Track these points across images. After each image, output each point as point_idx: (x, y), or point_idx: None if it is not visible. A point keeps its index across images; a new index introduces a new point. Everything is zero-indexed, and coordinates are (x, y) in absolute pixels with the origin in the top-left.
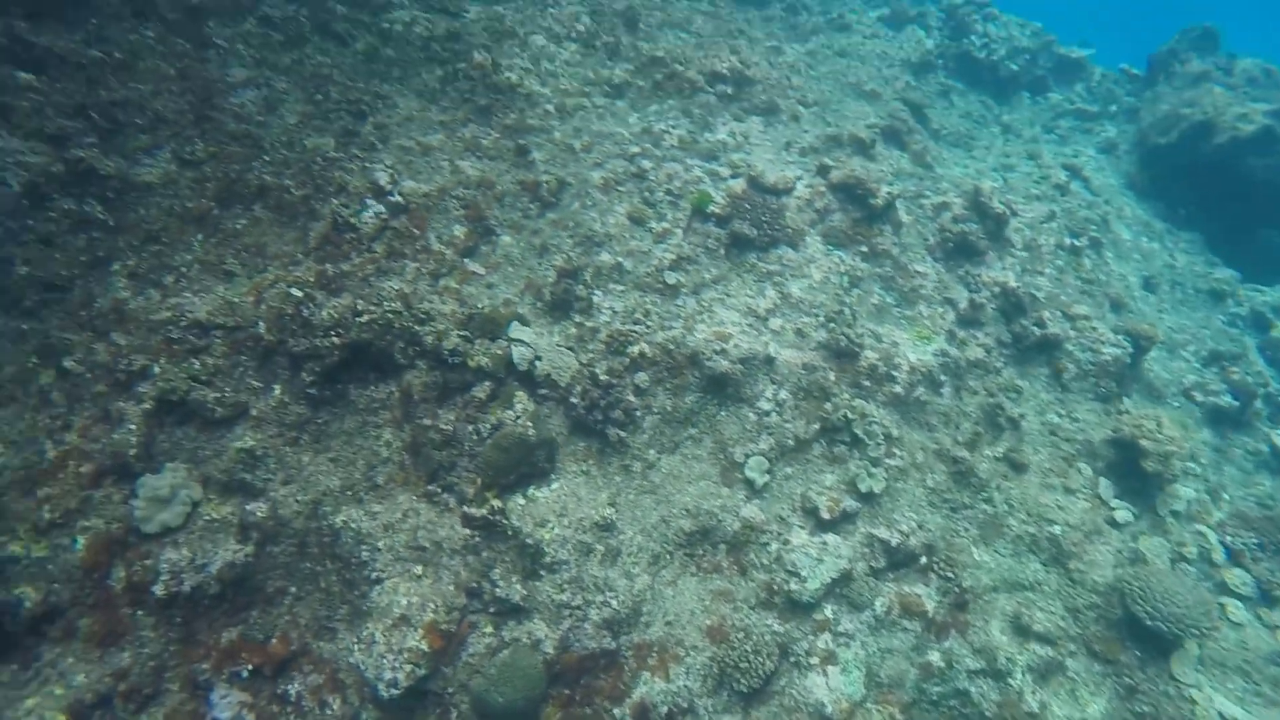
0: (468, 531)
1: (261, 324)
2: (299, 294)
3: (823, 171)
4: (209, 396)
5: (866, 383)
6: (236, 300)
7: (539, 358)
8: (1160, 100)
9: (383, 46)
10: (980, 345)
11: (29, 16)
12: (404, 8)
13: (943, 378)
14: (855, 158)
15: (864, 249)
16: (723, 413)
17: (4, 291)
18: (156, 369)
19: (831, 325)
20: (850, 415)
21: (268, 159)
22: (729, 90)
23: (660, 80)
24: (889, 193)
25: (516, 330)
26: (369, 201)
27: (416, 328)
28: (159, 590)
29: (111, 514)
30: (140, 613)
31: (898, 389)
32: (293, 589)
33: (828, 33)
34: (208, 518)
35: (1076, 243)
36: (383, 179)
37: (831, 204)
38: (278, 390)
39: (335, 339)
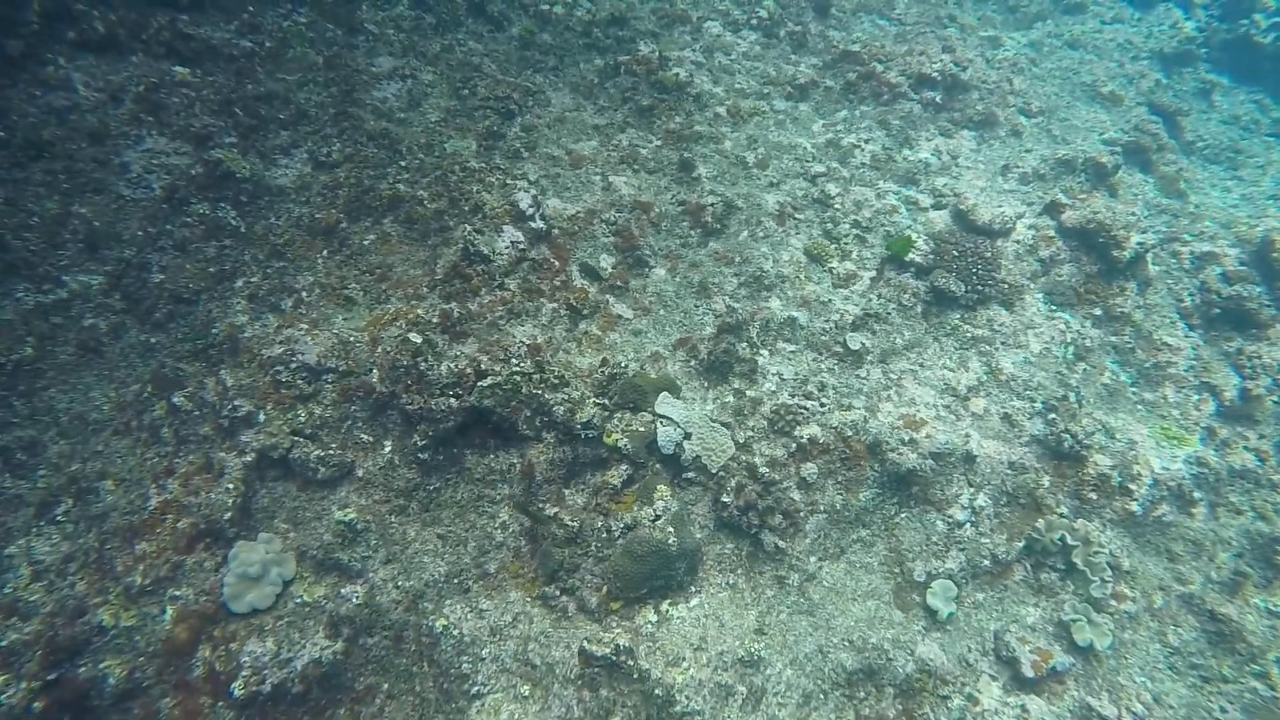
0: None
1: (375, 372)
2: (418, 340)
3: (1053, 210)
4: (312, 455)
5: (1092, 494)
6: (352, 339)
7: (688, 435)
8: None
9: (540, 31)
10: (1252, 450)
11: (191, 7)
12: None
13: (1197, 494)
14: (1094, 190)
15: (1097, 311)
16: (903, 515)
17: (139, 300)
18: (262, 416)
19: (1052, 417)
20: (1069, 540)
21: (404, 164)
22: (937, 98)
23: (853, 80)
24: (1140, 243)
25: (665, 404)
26: (506, 228)
27: (547, 395)
28: (238, 690)
29: (201, 585)
30: (220, 705)
31: (1133, 506)
32: (385, 687)
33: (1055, 17)
34: (299, 599)
35: None
36: (524, 202)
37: (1061, 252)
38: (388, 448)
39: (453, 401)
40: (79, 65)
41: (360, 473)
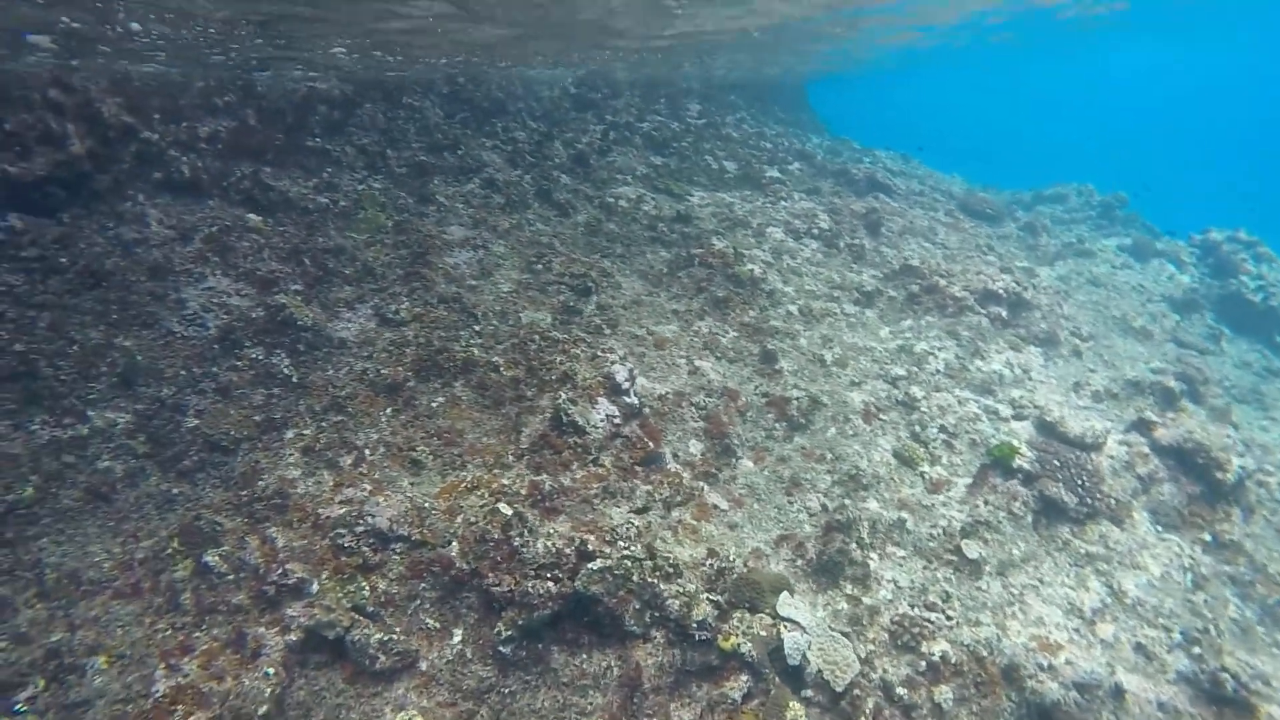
0: None
1: (455, 545)
2: (508, 511)
3: (1143, 427)
4: (373, 638)
5: None
6: (426, 505)
7: (809, 644)
8: None
9: (606, 220)
10: None
11: (274, 163)
12: (629, 184)
13: None
14: (1167, 411)
15: (1205, 536)
16: None
17: (166, 444)
18: (315, 586)
19: (1197, 651)
20: None
21: (478, 329)
22: (1003, 313)
23: (916, 292)
24: (1242, 467)
25: (787, 605)
26: (600, 401)
27: (661, 586)
28: None
29: None
30: None
31: None
32: None
33: (1073, 258)
34: None
35: None
36: (620, 374)
37: (1159, 471)
38: (457, 638)
39: (551, 585)
40: (157, 203)
41: (424, 665)
